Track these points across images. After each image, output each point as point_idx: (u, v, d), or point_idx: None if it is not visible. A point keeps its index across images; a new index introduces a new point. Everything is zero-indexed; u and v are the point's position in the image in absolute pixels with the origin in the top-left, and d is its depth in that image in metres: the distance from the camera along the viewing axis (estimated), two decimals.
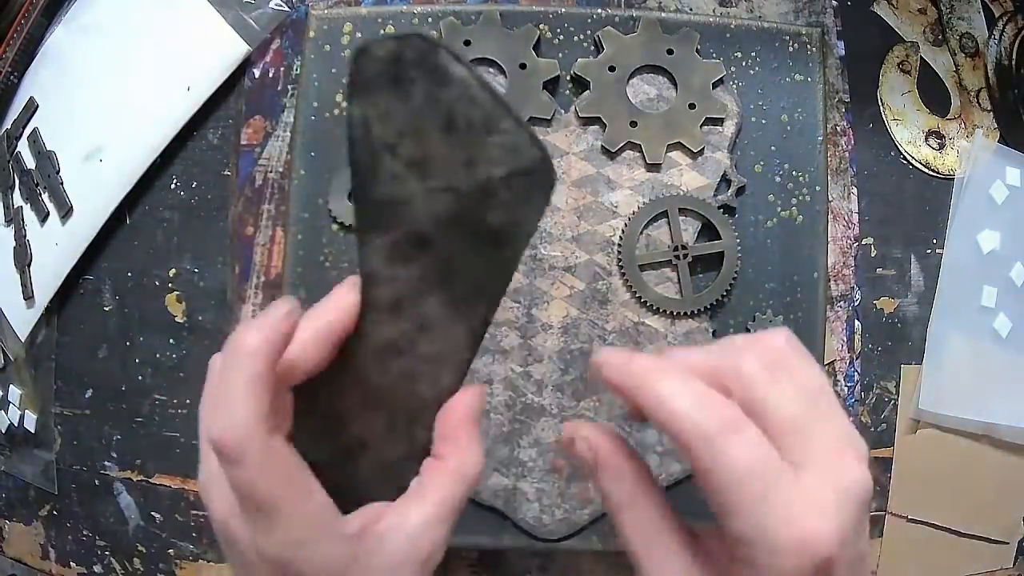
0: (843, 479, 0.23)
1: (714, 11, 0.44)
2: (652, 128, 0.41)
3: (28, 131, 0.48)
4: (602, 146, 0.41)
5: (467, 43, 0.42)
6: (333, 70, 0.43)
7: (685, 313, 0.41)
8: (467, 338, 0.29)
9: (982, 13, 0.47)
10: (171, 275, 0.45)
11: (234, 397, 0.23)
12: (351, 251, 0.42)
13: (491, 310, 0.29)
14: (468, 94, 0.27)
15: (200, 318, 0.44)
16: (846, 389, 0.43)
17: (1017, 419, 0.44)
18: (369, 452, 0.28)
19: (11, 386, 0.49)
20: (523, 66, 0.42)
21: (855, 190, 0.44)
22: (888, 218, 0.44)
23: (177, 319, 0.45)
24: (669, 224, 0.41)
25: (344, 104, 0.42)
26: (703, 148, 0.41)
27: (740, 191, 0.42)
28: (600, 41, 0.42)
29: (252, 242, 0.44)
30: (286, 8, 0.45)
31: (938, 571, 0.45)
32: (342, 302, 0.28)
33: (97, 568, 0.46)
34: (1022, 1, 0.48)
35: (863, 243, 0.44)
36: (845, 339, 0.43)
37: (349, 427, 0.28)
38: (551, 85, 0.42)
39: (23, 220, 0.48)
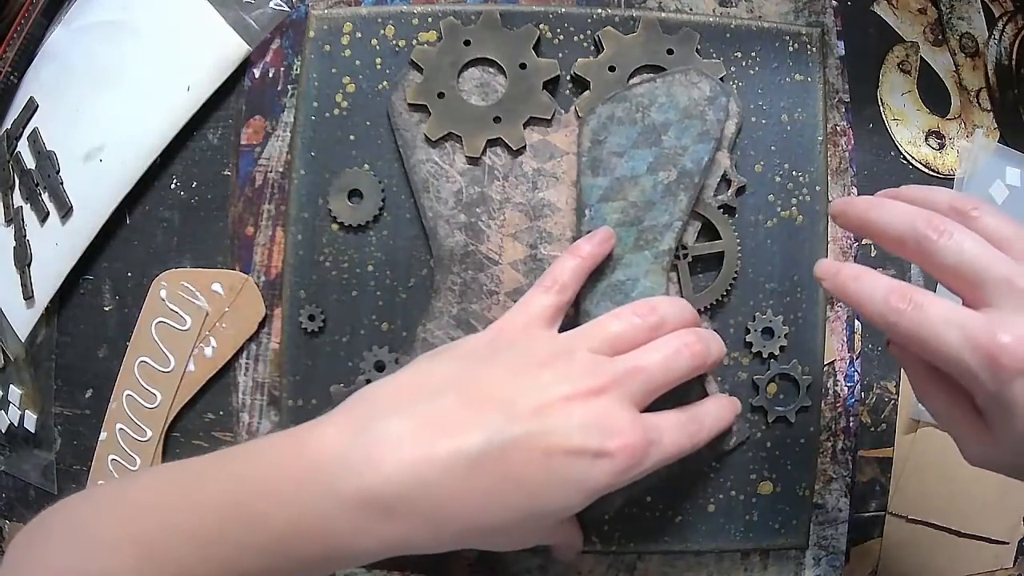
0: None
1: (714, 11, 0.44)
2: None
3: (28, 131, 0.48)
4: None
5: (467, 43, 0.42)
6: (333, 70, 0.43)
7: None
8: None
9: (982, 13, 0.47)
10: None
11: None
12: (351, 251, 0.42)
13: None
14: None
15: None
16: (846, 389, 0.43)
17: None
18: None
19: (11, 386, 0.49)
20: (523, 66, 0.42)
21: (855, 190, 0.44)
22: None
23: None
24: None
25: (345, 104, 0.42)
26: None
27: (740, 191, 0.42)
28: (600, 41, 0.42)
29: (252, 242, 0.44)
30: (286, 8, 0.45)
31: (938, 571, 0.45)
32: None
33: None
34: (1022, 1, 0.48)
35: (863, 243, 0.44)
36: (845, 339, 0.43)
37: None
38: (551, 85, 0.42)
39: (23, 220, 0.48)
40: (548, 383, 0.32)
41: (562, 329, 0.36)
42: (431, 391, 0.32)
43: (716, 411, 0.36)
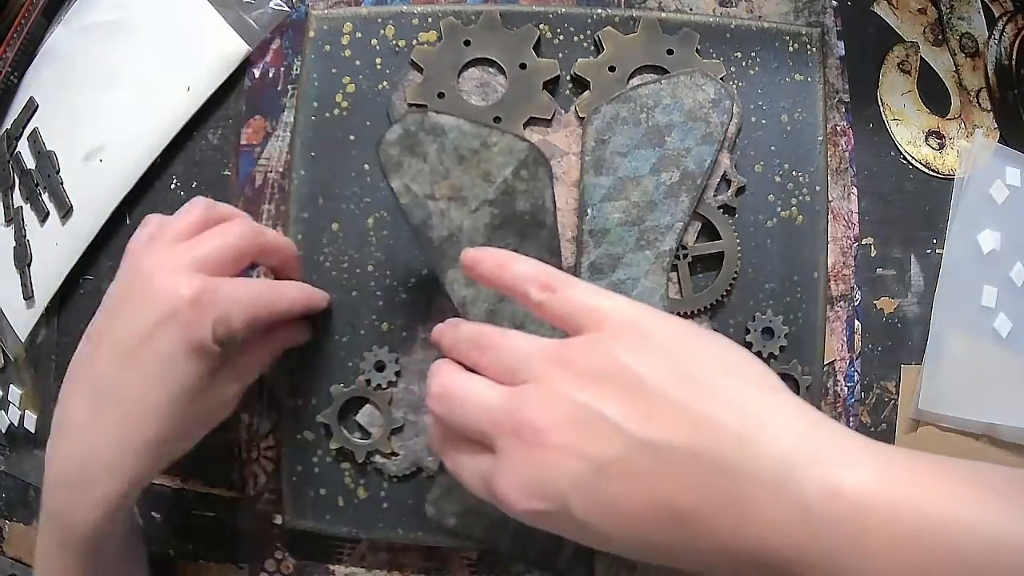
0: None
1: (714, 11, 0.44)
2: None
3: (28, 131, 0.48)
4: None
5: (467, 43, 0.42)
6: (333, 70, 0.43)
7: (685, 313, 0.41)
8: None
9: (982, 13, 0.47)
10: None
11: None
12: (351, 251, 0.42)
13: None
14: (461, 130, 0.36)
15: None
16: (846, 389, 0.43)
17: (1017, 419, 0.44)
18: None
19: (11, 386, 0.49)
20: (523, 66, 0.42)
21: (855, 190, 0.44)
22: (888, 218, 0.44)
23: None
24: None
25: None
26: None
27: (740, 191, 0.42)
28: (600, 41, 0.42)
29: None
30: (286, 8, 0.45)
31: None
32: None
33: None
34: (1022, 1, 0.48)
35: (863, 243, 0.44)
36: (845, 339, 0.43)
37: None
38: (551, 85, 0.42)
39: (23, 220, 0.48)
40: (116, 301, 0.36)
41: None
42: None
43: (298, 288, 0.38)
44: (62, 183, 0.46)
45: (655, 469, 0.26)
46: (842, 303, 0.43)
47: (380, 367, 0.41)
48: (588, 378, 0.27)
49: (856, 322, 0.43)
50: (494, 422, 0.29)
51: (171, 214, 0.45)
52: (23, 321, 0.47)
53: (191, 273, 0.34)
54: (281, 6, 0.45)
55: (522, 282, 0.31)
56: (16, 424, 0.49)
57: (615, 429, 0.26)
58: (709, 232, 0.41)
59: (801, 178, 0.42)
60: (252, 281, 0.36)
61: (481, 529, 0.38)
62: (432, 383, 0.32)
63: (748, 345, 0.41)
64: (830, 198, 0.43)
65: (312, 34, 0.43)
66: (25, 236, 0.47)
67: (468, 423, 0.30)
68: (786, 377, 0.41)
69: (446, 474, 0.36)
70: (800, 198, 0.42)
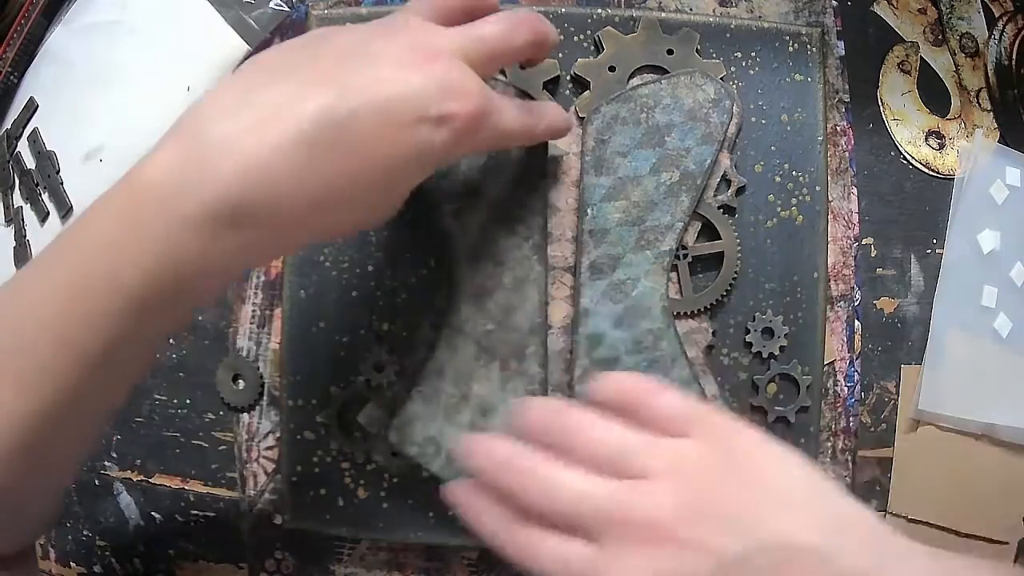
0: None
1: (714, 11, 0.44)
2: None
3: (28, 131, 0.48)
4: None
5: None
6: None
7: (685, 313, 0.41)
8: (537, 260, 0.38)
9: (982, 13, 0.47)
10: None
11: None
12: (351, 251, 0.42)
13: (543, 226, 0.39)
14: None
15: (200, 318, 0.44)
16: (846, 389, 0.43)
17: (1017, 419, 0.44)
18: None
19: None
20: (523, 66, 0.42)
21: (855, 190, 0.44)
22: (888, 218, 0.44)
23: None
24: None
25: None
26: None
27: (740, 191, 0.42)
28: (600, 41, 0.42)
29: None
30: (286, 8, 0.45)
31: None
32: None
33: (97, 568, 0.46)
34: (1022, 1, 0.48)
35: (863, 243, 0.44)
36: (845, 339, 0.43)
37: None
38: (551, 85, 0.42)
39: (23, 220, 0.48)
40: (380, 50, 0.29)
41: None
42: (261, 85, 0.29)
43: (555, 111, 0.36)
44: (62, 183, 0.46)
45: (775, 569, 0.27)
46: (842, 303, 0.43)
47: (380, 367, 0.41)
48: (707, 476, 0.29)
49: (856, 322, 0.43)
50: (599, 511, 0.28)
51: None
52: None
53: (474, 76, 0.30)
54: (281, 6, 0.45)
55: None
56: None
57: (740, 526, 0.28)
58: (709, 232, 0.41)
59: (801, 178, 0.42)
60: (515, 102, 0.34)
61: (438, 463, 0.38)
62: (516, 460, 0.30)
63: (748, 345, 0.41)
64: (830, 198, 0.43)
65: None
66: (25, 236, 0.47)
67: (564, 509, 0.29)
68: (786, 377, 0.42)
69: (417, 404, 0.38)
70: (800, 198, 0.42)
